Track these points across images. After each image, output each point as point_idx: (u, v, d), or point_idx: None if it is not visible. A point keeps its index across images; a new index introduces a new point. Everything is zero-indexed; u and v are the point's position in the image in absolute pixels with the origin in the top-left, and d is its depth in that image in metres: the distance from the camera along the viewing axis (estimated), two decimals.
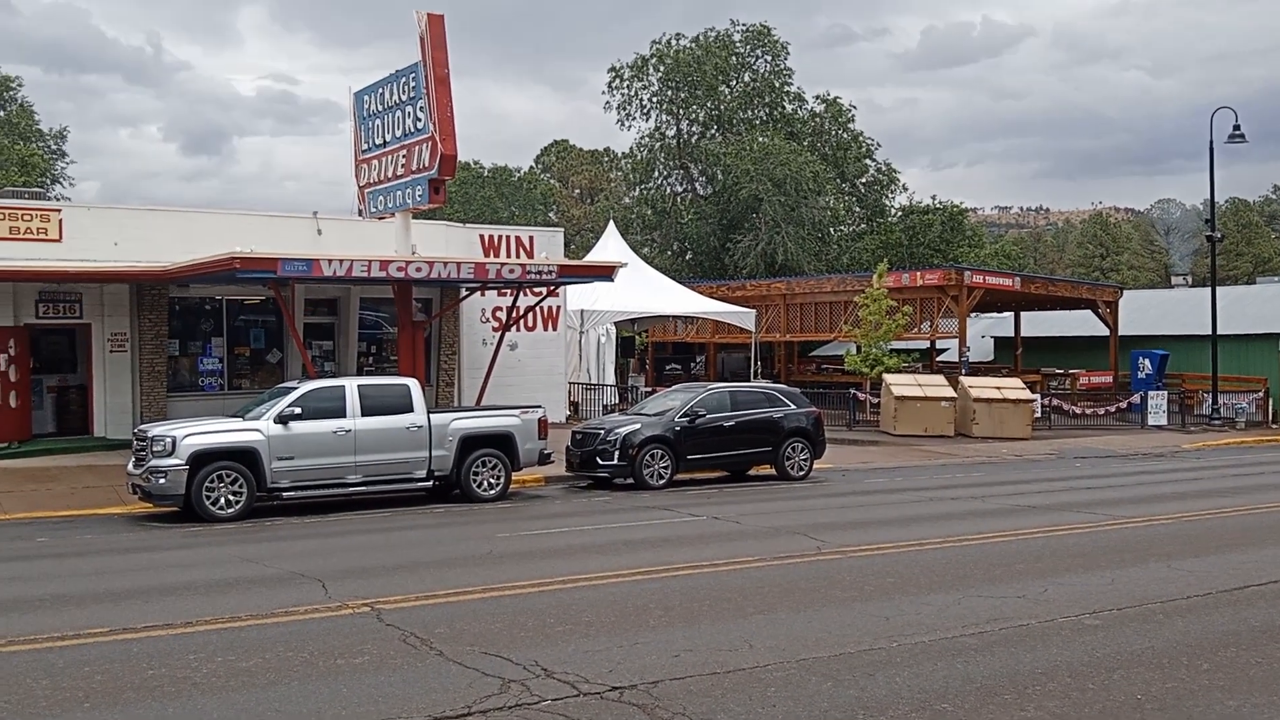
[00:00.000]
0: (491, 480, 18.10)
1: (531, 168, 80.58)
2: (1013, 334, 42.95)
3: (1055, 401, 33.17)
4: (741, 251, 49.18)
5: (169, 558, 13.09)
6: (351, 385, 17.62)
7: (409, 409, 17.64)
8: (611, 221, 41.65)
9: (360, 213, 23.67)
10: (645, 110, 54.75)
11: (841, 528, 14.54)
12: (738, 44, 54.73)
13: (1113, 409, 33.85)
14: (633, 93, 54.42)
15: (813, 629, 8.85)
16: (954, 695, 7.11)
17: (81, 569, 12.48)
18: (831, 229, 54.02)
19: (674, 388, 23.59)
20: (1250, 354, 37.63)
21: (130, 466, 16.58)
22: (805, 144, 53.11)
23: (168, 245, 22.13)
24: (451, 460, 17.83)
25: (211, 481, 15.82)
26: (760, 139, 50.92)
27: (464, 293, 24.71)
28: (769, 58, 55.37)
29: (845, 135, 55.84)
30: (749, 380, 33.48)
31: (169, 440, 15.83)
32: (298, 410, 16.64)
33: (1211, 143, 33.82)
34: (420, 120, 20.67)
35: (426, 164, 20.54)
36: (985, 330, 46.89)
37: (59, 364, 24.04)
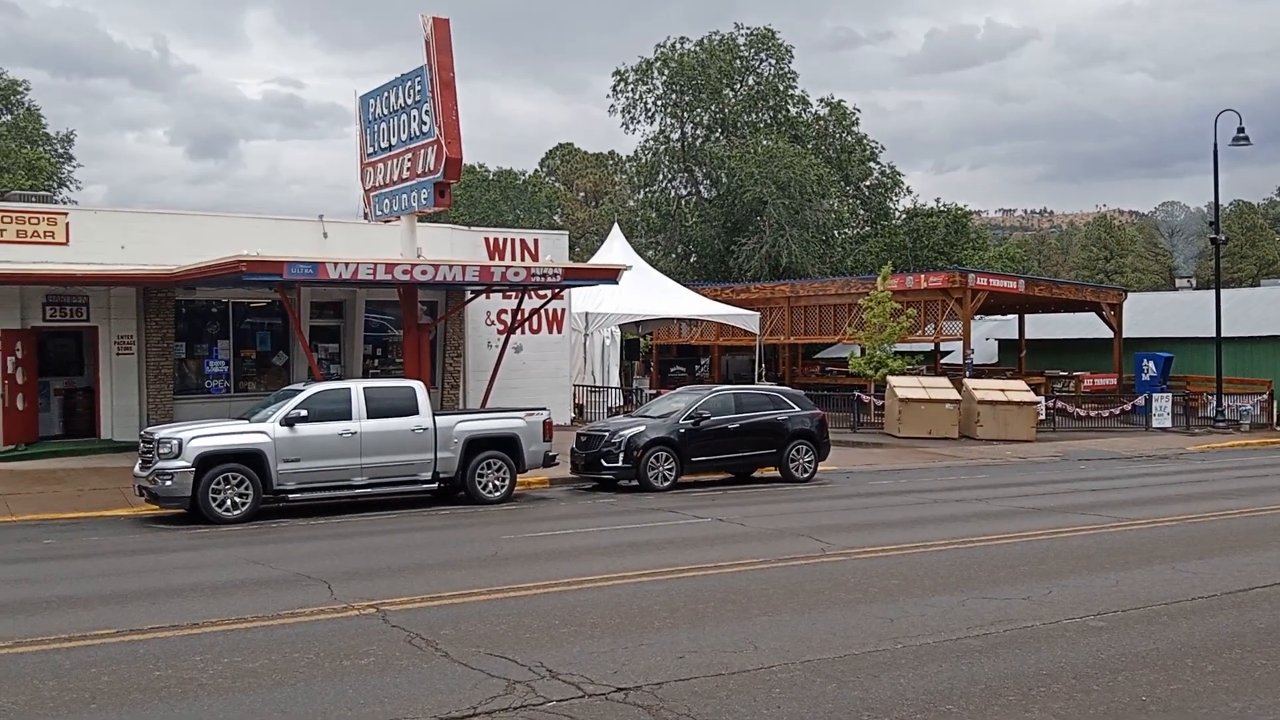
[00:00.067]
0: (496, 482, 18.14)
1: (536, 171, 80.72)
2: (1017, 336, 42.93)
3: (1059, 404, 33.16)
4: (746, 254, 49.20)
5: (175, 559, 13.12)
6: (357, 388, 17.67)
7: (414, 411, 17.68)
8: (616, 224, 41.72)
9: (366, 216, 23.71)
10: (650, 113, 54.84)
11: (846, 530, 14.55)
12: (742, 47, 54.78)
13: (1117, 411, 33.83)
14: (637, 96, 54.50)
15: (817, 630, 8.87)
16: (959, 696, 7.12)
17: (88, 571, 12.52)
18: (836, 232, 54.02)
19: (678, 390, 23.61)
20: (1255, 356, 37.61)
21: (137, 469, 16.63)
22: (809, 147, 53.13)
23: (174, 248, 22.20)
24: (457, 462, 17.87)
25: (218, 483, 15.86)
26: (764, 142, 50.95)
27: (469, 295, 24.75)
28: (773, 61, 55.41)
29: (849, 138, 55.85)
30: (753, 383, 33.48)
31: (175, 442, 15.88)
32: (304, 412, 16.69)
33: (1216, 145, 33.81)
34: (425, 124, 20.71)
35: (432, 167, 20.58)
36: (989, 333, 46.87)
37: (66, 367, 24.11)
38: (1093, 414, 33.43)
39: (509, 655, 8.11)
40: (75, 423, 23.83)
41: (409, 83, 21.26)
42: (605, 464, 19.64)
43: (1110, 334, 38.43)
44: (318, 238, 25.28)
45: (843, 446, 25.30)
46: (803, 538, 13.73)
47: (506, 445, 18.36)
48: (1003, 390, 30.80)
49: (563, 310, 29.29)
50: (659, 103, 54.52)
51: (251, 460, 16.18)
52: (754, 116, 55.19)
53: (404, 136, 21.56)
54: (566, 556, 12.93)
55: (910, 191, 58.18)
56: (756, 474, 21.54)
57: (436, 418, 17.94)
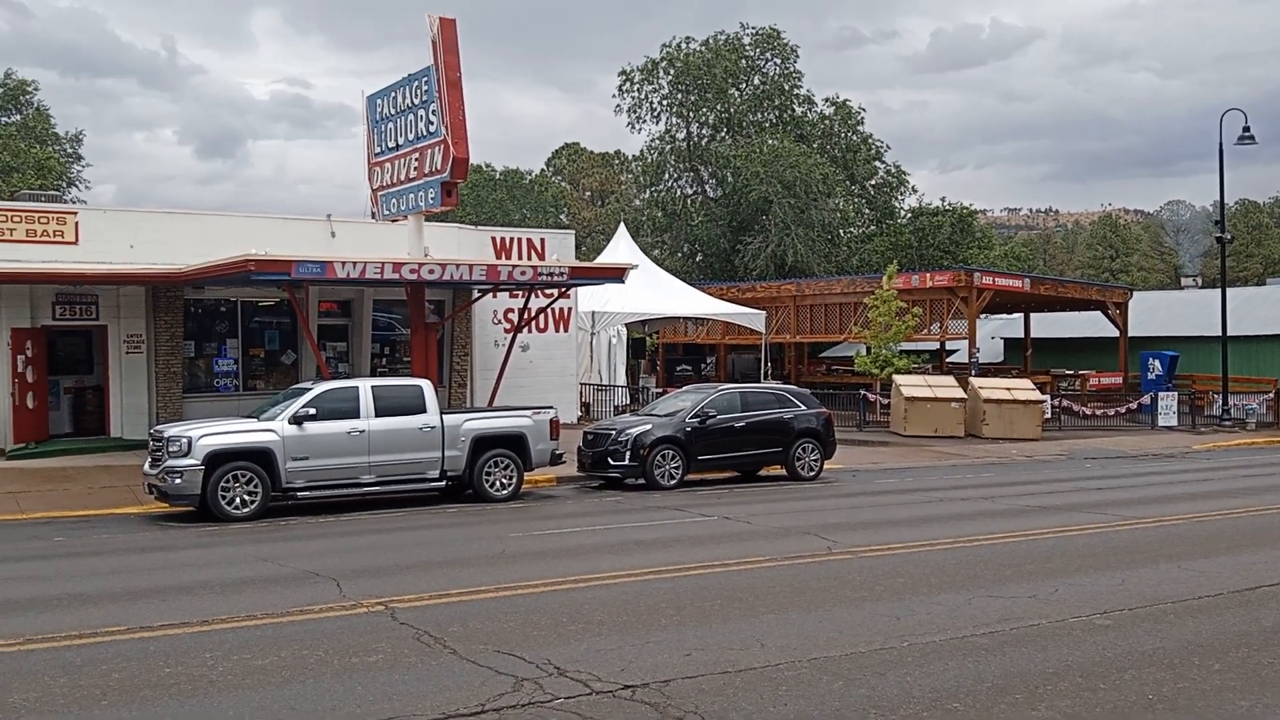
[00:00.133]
0: (504, 480, 18.18)
1: (543, 170, 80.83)
2: (1022, 335, 42.92)
3: (1065, 402, 33.13)
4: (751, 253, 49.22)
5: (185, 557, 13.18)
6: (365, 386, 17.73)
7: (422, 410, 17.73)
8: (622, 224, 41.74)
9: (373, 215, 23.77)
10: (655, 113, 54.88)
11: (852, 528, 14.57)
12: (747, 47, 54.78)
13: (1123, 410, 33.79)
14: (643, 96, 54.52)
15: (824, 628, 8.89)
16: (965, 695, 7.14)
17: (98, 568, 12.58)
18: (841, 231, 54.02)
19: (685, 389, 23.62)
20: (1260, 355, 37.57)
21: (146, 467, 16.69)
22: (815, 146, 53.13)
23: (183, 248, 22.28)
24: (464, 460, 17.91)
25: (227, 481, 15.92)
26: (770, 141, 50.94)
27: (476, 294, 24.80)
28: (778, 61, 55.41)
29: (854, 137, 55.83)
30: (759, 381, 33.51)
31: (185, 441, 15.94)
32: (312, 411, 16.74)
33: (1221, 144, 33.78)
34: (432, 123, 20.76)
35: (439, 167, 20.62)
36: (995, 331, 46.86)
37: (75, 365, 24.22)
38: (1098, 413, 33.39)
39: (517, 653, 8.14)
40: (85, 421, 23.94)
41: (416, 83, 21.31)
42: (612, 462, 19.67)
43: (1116, 333, 38.39)
44: (325, 237, 25.36)
45: (848, 445, 25.32)
46: (809, 536, 13.75)
47: (514, 444, 18.40)
48: (1008, 389, 30.78)
49: (569, 309, 29.33)
50: (665, 102, 54.56)
51: (260, 458, 16.23)
52: (759, 116, 55.19)
53: (411, 136, 21.61)
54: (573, 554, 12.96)
55: (915, 190, 58.18)
56: (763, 472, 21.56)
57: (444, 416, 17.98)
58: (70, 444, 22.81)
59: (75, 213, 24.03)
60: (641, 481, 19.60)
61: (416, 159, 21.39)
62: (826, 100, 56.49)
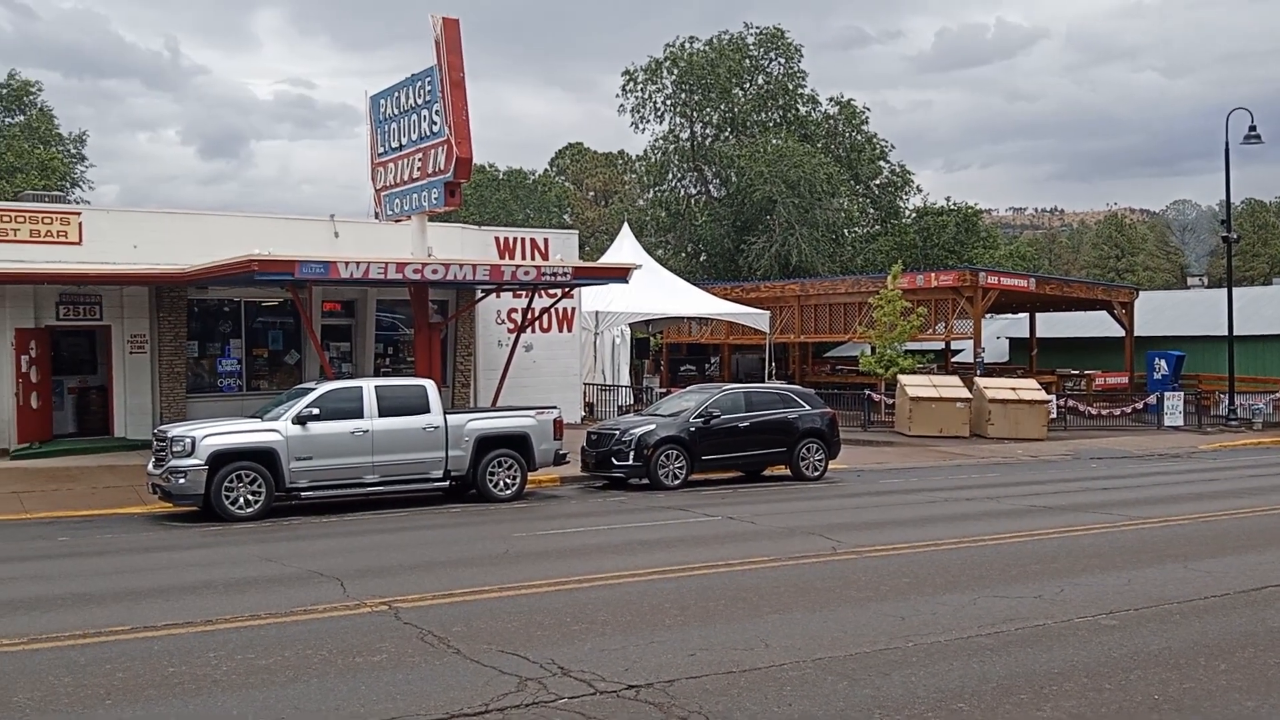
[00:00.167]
0: (507, 480, 18.17)
1: (546, 170, 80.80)
2: (1028, 335, 42.85)
3: (1071, 402, 33.08)
4: (755, 253, 49.19)
5: (189, 557, 13.18)
6: (369, 386, 17.72)
7: (426, 410, 17.73)
8: (626, 224, 41.73)
9: (377, 215, 23.77)
10: (659, 113, 54.89)
11: (857, 528, 14.55)
12: (751, 47, 54.77)
13: (1128, 410, 33.74)
14: (647, 95, 54.53)
15: (829, 628, 8.87)
16: (970, 695, 7.12)
17: (102, 568, 12.59)
18: (845, 230, 54.01)
19: (689, 389, 23.61)
20: (1267, 354, 37.49)
21: (150, 466, 16.70)
22: (819, 146, 53.11)
23: (186, 248, 22.29)
24: (468, 460, 17.91)
25: (230, 481, 15.93)
26: (774, 141, 50.94)
27: (480, 294, 24.80)
28: (782, 60, 55.41)
29: (859, 137, 55.83)
30: (763, 381, 33.48)
31: (188, 440, 15.95)
32: (316, 411, 16.74)
33: (1227, 143, 33.70)
34: (436, 124, 20.76)
35: (442, 167, 20.62)
36: (1000, 331, 46.79)
37: (79, 365, 24.23)
38: (1104, 412, 33.35)
39: (521, 652, 8.12)
40: (89, 421, 23.95)
41: (419, 83, 21.31)
42: (616, 462, 19.66)
43: (1122, 332, 38.34)
44: (329, 237, 25.36)
45: (853, 445, 25.27)
46: (814, 536, 13.73)
47: (517, 443, 18.39)
48: (1014, 389, 30.73)
49: (573, 309, 29.31)
50: (668, 102, 54.55)
51: (264, 458, 16.24)
52: (763, 115, 55.17)
53: (414, 136, 21.61)
54: (577, 554, 12.95)
55: (920, 190, 58.25)
56: (767, 472, 21.53)
57: (448, 416, 17.98)
58: (74, 444, 22.83)
59: (79, 213, 24.04)
60: (645, 482, 19.58)
61: (420, 159, 21.38)
62: (831, 100, 56.58)
